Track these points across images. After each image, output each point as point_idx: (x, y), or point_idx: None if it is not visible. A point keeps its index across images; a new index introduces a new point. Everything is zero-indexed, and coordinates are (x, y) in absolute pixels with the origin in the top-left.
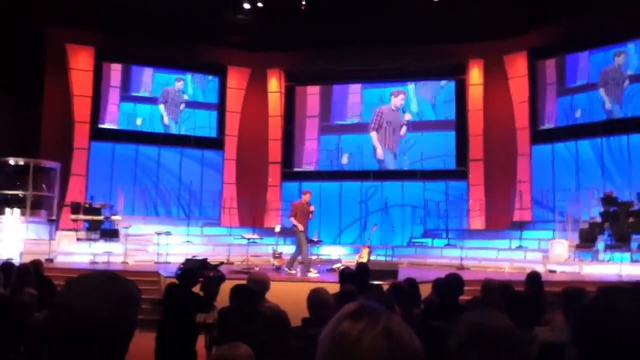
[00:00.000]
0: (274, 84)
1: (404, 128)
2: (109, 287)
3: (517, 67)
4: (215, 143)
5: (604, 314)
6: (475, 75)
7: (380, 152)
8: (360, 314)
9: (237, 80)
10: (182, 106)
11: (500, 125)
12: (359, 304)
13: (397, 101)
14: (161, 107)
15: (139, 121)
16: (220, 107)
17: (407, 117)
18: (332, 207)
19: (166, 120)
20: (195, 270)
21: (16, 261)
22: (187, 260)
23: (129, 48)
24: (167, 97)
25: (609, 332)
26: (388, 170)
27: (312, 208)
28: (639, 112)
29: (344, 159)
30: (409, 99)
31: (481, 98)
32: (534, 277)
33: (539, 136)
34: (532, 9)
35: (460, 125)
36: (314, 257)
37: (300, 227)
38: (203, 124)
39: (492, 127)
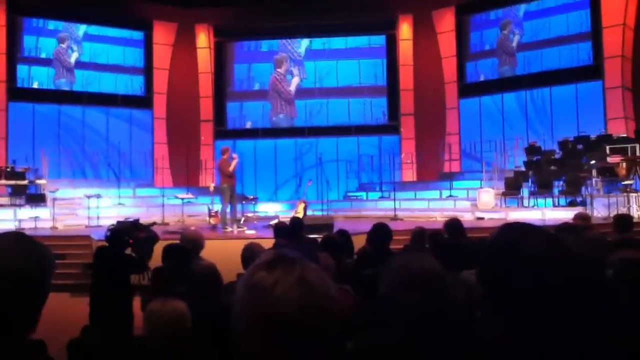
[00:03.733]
0: (203, 40)
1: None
2: (19, 246)
3: (445, 23)
4: (144, 101)
5: (507, 248)
6: (405, 30)
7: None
8: (274, 263)
9: (164, 35)
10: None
11: (429, 80)
12: (275, 253)
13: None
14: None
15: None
16: (147, 64)
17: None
18: (267, 164)
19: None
20: (125, 231)
21: None
22: (118, 222)
23: (47, 3)
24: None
25: (512, 266)
26: (322, 127)
27: (234, 162)
28: (559, 65)
29: (248, 124)
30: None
31: (411, 53)
32: (452, 224)
33: (466, 90)
34: None
35: (391, 80)
36: (250, 215)
37: (223, 185)
38: (129, 82)
39: (422, 82)
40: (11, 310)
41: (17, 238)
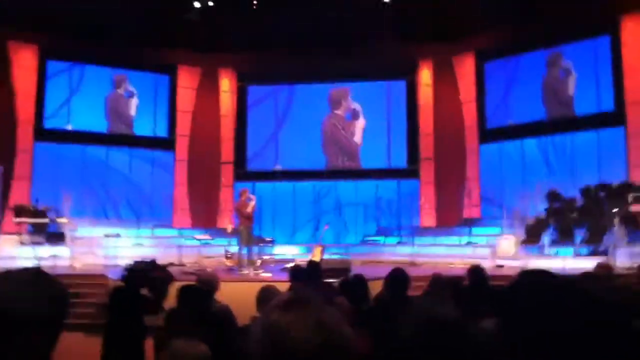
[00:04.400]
0: (226, 84)
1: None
2: (35, 283)
3: (465, 68)
4: (166, 143)
5: (526, 294)
6: (425, 75)
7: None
8: (291, 305)
9: (188, 79)
10: (131, 107)
11: (449, 124)
12: (291, 294)
13: (341, 109)
14: (109, 108)
15: (86, 122)
16: (171, 107)
17: (359, 126)
18: (285, 206)
19: (113, 123)
20: (141, 271)
21: None
22: (135, 262)
23: (75, 47)
24: (113, 100)
25: (532, 312)
26: (341, 170)
27: (252, 203)
28: (581, 111)
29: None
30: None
31: (431, 98)
32: (475, 270)
33: (486, 135)
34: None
35: (411, 124)
36: (267, 257)
37: (240, 227)
38: (153, 124)
39: (442, 126)
40: (23, 347)
41: (34, 274)
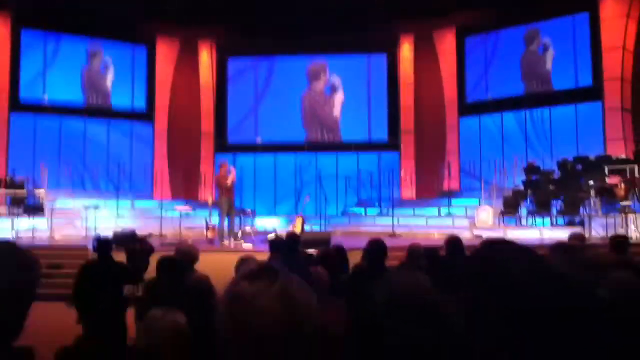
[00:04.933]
0: (205, 56)
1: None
2: (4, 255)
3: (446, 43)
4: (145, 116)
5: (486, 267)
6: (406, 49)
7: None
8: (256, 275)
9: (166, 51)
10: (108, 79)
11: (430, 99)
12: (258, 265)
13: (320, 84)
14: (85, 80)
15: (62, 93)
16: (150, 78)
17: (337, 101)
18: (266, 178)
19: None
20: (109, 240)
21: None
22: (114, 232)
23: (49, 15)
24: (89, 72)
25: (492, 286)
26: (322, 143)
27: (231, 175)
28: (560, 87)
29: (258, 140)
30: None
31: (412, 72)
32: (451, 240)
33: (466, 109)
34: None
35: (392, 98)
36: (247, 228)
37: (220, 199)
38: (131, 96)
39: (422, 100)
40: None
41: (4, 246)
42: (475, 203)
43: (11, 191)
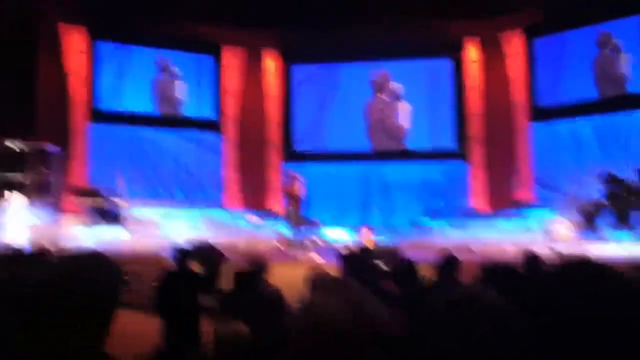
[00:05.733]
0: (270, 64)
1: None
2: (92, 264)
3: (514, 45)
4: (214, 124)
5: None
6: (472, 53)
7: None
8: (328, 287)
9: (232, 59)
10: (177, 90)
11: (498, 104)
12: (329, 277)
13: (384, 93)
14: (156, 90)
15: (134, 103)
16: (217, 88)
17: (403, 109)
18: (333, 188)
19: (161, 106)
20: (192, 251)
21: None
22: (188, 242)
23: (121, 27)
24: (159, 82)
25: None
26: (388, 152)
27: (299, 185)
28: (636, 90)
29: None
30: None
31: (479, 76)
32: (530, 257)
33: (538, 114)
34: None
35: (458, 104)
36: (315, 239)
37: (288, 209)
38: (201, 106)
39: (491, 105)
40: (82, 323)
41: (89, 256)
42: (551, 215)
43: (91, 200)
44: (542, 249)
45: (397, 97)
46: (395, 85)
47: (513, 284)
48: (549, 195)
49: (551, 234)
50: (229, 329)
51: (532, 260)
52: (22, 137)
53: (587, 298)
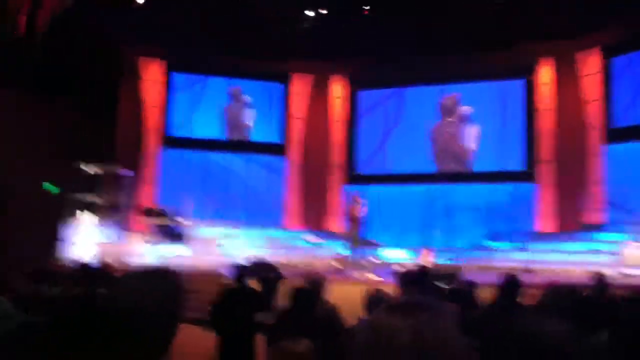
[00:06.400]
0: (337, 90)
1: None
2: (159, 280)
3: (590, 65)
4: (280, 149)
5: None
6: (545, 74)
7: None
8: (399, 308)
9: (300, 87)
10: (247, 116)
11: (571, 125)
12: (400, 298)
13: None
14: (226, 117)
15: (205, 130)
16: (285, 113)
17: (473, 133)
18: (395, 210)
19: (230, 132)
20: (251, 270)
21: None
22: (246, 260)
23: (195, 59)
24: (230, 110)
25: None
26: (453, 173)
27: (362, 207)
28: None
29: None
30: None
31: (551, 97)
32: (599, 279)
33: (613, 135)
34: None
35: (529, 126)
36: (374, 260)
37: (349, 230)
38: (268, 131)
39: (563, 127)
40: (148, 339)
41: (159, 272)
42: (623, 238)
43: (159, 220)
44: (613, 273)
45: (465, 120)
46: (464, 108)
47: (580, 306)
48: (622, 218)
49: (622, 257)
50: (294, 345)
51: (600, 283)
52: (100, 161)
53: None
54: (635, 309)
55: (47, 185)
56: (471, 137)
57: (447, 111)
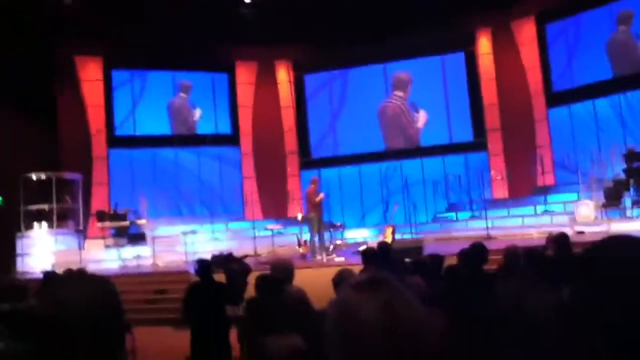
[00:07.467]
0: (283, 75)
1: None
2: (82, 285)
3: (526, 33)
4: (231, 139)
5: (609, 262)
6: (484, 44)
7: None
8: (363, 285)
9: (245, 75)
10: (196, 114)
11: (514, 93)
12: (366, 275)
13: (403, 94)
14: (172, 111)
15: (151, 126)
16: (232, 103)
17: (422, 117)
18: (353, 190)
19: (177, 126)
20: (214, 263)
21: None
22: (212, 255)
23: (134, 54)
24: (175, 108)
25: (612, 283)
26: (405, 149)
27: (321, 195)
28: None
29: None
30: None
31: (492, 67)
32: (561, 239)
33: (554, 99)
34: None
35: (473, 96)
36: (338, 242)
37: (310, 215)
38: (216, 122)
39: (506, 95)
40: (87, 347)
41: (80, 275)
42: (574, 198)
43: (115, 223)
44: (568, 231)
45: (415, 107)
46: (412, 93)
47: (541, 266)
48: (571, 178)
49: (575, 216)
50: (282, 342)
51: (561, 241)
52: (48, 168)
53: (632, 275)
54: (590, 263)
55: None
56: (420, 119)
57: (399, 86)
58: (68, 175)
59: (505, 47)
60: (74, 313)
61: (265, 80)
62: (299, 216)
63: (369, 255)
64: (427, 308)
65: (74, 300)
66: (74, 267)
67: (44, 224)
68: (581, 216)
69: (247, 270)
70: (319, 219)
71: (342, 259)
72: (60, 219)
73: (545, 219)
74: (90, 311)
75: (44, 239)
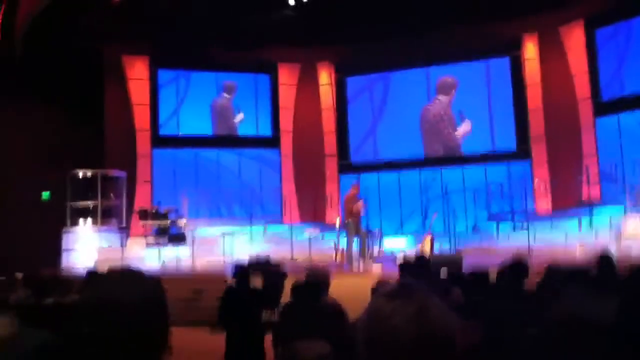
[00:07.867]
0: (325, 77)
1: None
2: (128, 283)
3: (574, 38)
4: (271, 141)
5: None
6: (530, 49)
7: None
8: (395, 294)
9: (287, 76)
10: (238, 117)
11: (560, 100)
12: (399, 284)
13: (447, 98)
14: (215, 112)
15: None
16: (274, 105)
17: (465, 126)
18: (392, 197)
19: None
20: (251, 267)
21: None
22: (250, 258)
23: (180, 54)
24: (218, 108)
25: None
26: (445, 157)
27: (360, 203)
28: None
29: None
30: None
31: (538, 73)
32: (605, 258)
33: (602, 108)
34: None
35: (517, 103)
36: (376, 249)
37: (348, 221)
38: (257, 123)
39: (552, 102)
40: (134, 338)
41: (124, 273)
42: (621, 212)
43: (156, 222)
44: (613, 247)
45: (460, 116)
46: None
47: (586, 287)
48: (617, 190)
49: (621, 230)
50: (311, 348)
51: (606, 261)
52: (93, 166)
53: None
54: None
55: (44, 195)
56: (461, 130)
57: (444, 90)
58: (113, 172)
59: (552, 53)
60: (119, 309)
61: (307, 82)
62: (337, 222)
63: (406, 266)
64: (462, 319)
65: (121, 297)
66: (116, 264)
67: (89, 220)
68: (628, 232)
69: (283, 275)
70: (357, 226)
71: (379, 268)
72: (104, 215)
73: (590, 235)
74: (136, 308)
75: (88, 235)
